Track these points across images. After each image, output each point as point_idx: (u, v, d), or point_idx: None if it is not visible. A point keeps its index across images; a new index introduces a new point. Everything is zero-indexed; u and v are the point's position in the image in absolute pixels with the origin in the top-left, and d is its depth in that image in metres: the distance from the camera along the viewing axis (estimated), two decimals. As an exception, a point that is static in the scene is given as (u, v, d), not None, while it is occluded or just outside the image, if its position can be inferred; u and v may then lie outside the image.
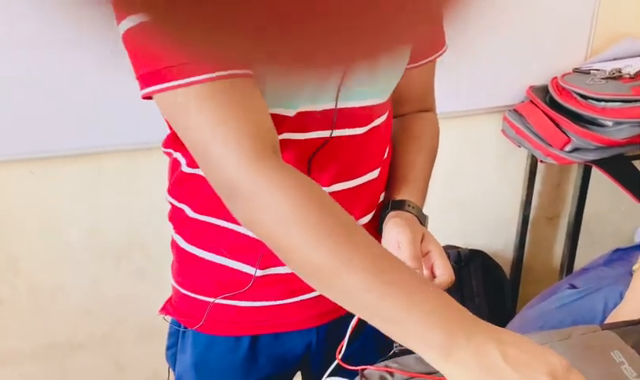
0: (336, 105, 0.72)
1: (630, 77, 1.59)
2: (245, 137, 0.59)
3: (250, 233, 0.73)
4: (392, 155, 0.85)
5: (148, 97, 0.63)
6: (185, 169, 0.77)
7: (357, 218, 0.78)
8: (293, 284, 0.78)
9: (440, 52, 0.84)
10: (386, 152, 0.84)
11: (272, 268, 0.78)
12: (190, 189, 0.78)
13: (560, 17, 1.68)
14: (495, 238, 1.98)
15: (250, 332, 0.82)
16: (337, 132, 0.73)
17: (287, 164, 0.63)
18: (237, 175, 0.60)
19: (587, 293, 1.32)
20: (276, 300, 0.81)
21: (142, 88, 0.62)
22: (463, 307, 0.55)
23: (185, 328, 0.84)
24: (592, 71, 1.65)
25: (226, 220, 0.76)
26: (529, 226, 1.97)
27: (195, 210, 0.78)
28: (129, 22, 0.59)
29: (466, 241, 1.88)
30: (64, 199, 1.45)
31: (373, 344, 0.81)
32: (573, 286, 1.39)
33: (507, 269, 1.98)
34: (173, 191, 0.81)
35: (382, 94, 0.77)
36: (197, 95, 0.59)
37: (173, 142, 0.78)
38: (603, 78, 1.59)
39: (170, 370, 0.90)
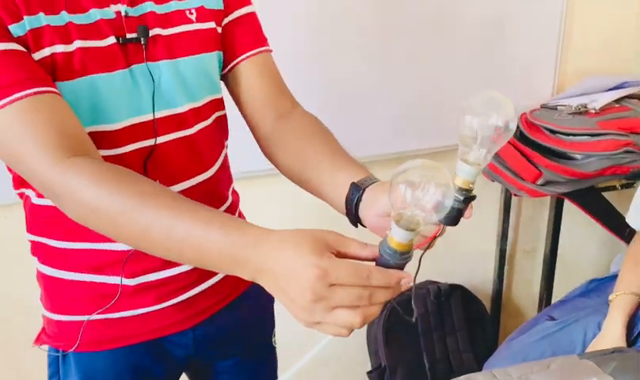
0: (154, 115, 0.78)
1: (596, 112, 1.65)
2: (51, 141, 0.65)
3: (113, 247, 0.79)
4: (306, 155, 0.83)
5: None
6: (35, 200, 0.81)
7: None
8: (164, 289, 0.84)
9: (262, 49, 0.89)
10: (222, 151, 0.90)
11: (142, 276, 0.82)
12: (44, 221, 0.82)
13: (527, 56, 1.75)
14: (474, 273, 2.00)
15: (129, 341, 0.86)
16: (162, 138, 0.79)
17: (99, 160, 0.68)
18: (49, 176, 0.65)
19: (566, 324, 1.33)
20: (148, 306, 0.84)
21: None
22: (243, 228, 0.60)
23: (64, 351, 0.85)
24: (558, 107, 1.71)
25: (86, 241, 0.80)
26: (507, 260, 1.99)
27: (55, 239, 0.82)
28: None
29: (446, 276, 1.89)
30: None
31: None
32: (552, 318, 1.40)
33: (487, 303, 1.99)
34: (29, 227, 0.85)
35: (199, 97, 0.83)
36: (6, 114, 0.65)
37: (21, 181, 0.81)
38: (569, 113, 1.65)
39: None
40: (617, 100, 1.69)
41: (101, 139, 0.74)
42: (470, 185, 0.63)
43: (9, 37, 0.68)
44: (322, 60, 1.54)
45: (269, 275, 0.57)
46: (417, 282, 0.59)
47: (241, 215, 0.99)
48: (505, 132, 0.62)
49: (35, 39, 0.69)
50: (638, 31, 1.87)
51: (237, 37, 0.87)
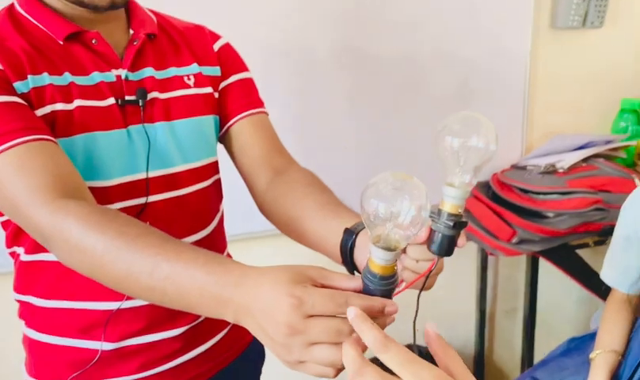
0: (147, 174, 0.79)
1: (564, 171, 1.69)
2: (44, 184, 0.66)
3: (97, 306, 0.79)
4: (301, 207, 0.82)
5: None
6: (24, 257, 0.81)
7: None
8: (149, 355, 0.82)
9: (258, 110, 0.91)
10: (218, 213, 0.91)
11: (125, 340, 0.81)
12: (32, 278, 0.82)
13: (495, 118, 1.80)
14: (455, 333, 1.97)
15: None
16: (154, 197, 0.80)
17: (92, 203, 0.69)
18: (39, 217, 0.65)
19: (549, 386, 1.31)
20: (133, 374, 0.82)
21: None
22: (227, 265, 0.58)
23: None
24: (528, 167, 1.75)
25: (69, 300, 0.80)
26: (487, 320, 1.98)
27: (40, 297, 0.81)
28: None
29: (427, 338, 1.86)
30: None
31: None
32: (535, 379, 1.38)
33: (469, 364, 1.95)
34: (17, 286, 0.85)
35: (194, 159, 0.85)
36: (3, 159, 0.67)
37: (13, 238, 0.82)
38: (539, 173, 1.69)
39: None
40: (584, 160, 1.75)
41: (93, 195, 0.74)
42: (460, 210, 0.59)
43: (13, 92, 0.70)
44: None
45: (250, 315, 0.54)
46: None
47: None
48: (488, 152, 0.59)
49: (38, 96, 0.72)
50: (600, 91, 1.96)
51: (232, 99, 0.90)
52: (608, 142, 1.82)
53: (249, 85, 0.93)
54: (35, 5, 0.77)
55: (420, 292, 0.59)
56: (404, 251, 0.64)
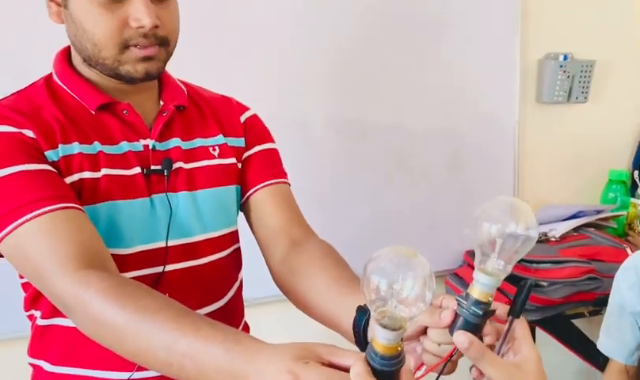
0: (167, 243, 0.80)
1: (556, 240, 1.71)
2: (68, 254, 0.67)
3: (108, 376, 0.78)
4: (315, 281, 0.82)
5: None
6: (40, 321, 0.81)
7: None
8: None
9: (279, 180, 0.92)
10: (236, 282, 0.91)
11: None
12: (46, 343, 0.81)
13: (486, 190, 1.83)
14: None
15: None
16: (171, 266, 0.80)
17: (113, 274, 0.69)
18: (62, 287, 0.66)
19: None
20: None
21: None
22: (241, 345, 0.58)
23: None
24: (521, 236, 1.76)
25: (80, 367, 0.79)
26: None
27: (52, 363, 0.81)
28: None
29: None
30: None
31: None
32: None
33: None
34: (31, 349, 0.84)
35: (213, 228, 0.85)
36: (29, 228, 0.68)
37: (31, 301, 0.82)
38: (532, 242, 1.70)
39: None
40: (575, 229, 1.77)
41: (118, 263, 0.75)
42: (490, 298, 0.57)
43: (43, 160, 0.73)
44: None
45: None
46: None
47: None
48: (527, 241, 0.57)
49: (67, 165, 0.75)
50: (588, 163, 2.01)
51: (254, 169, 0.91)
52: (598, 211, 1.85)
53: (272, 156, 0.94)
54: (70, 76, 0.80)
55: (438, 376, 0.57)
56: (424, 332, 0.64)
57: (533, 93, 1.90)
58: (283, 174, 0.94)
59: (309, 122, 1.58)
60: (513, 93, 1.83)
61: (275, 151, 0.95)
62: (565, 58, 1.87)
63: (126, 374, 0.78)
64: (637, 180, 1.98)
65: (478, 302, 0.57)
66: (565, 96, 1.90)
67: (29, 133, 0.73)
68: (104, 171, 0.76)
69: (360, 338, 0.68)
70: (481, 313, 0.56)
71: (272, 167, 0.93)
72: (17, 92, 0.80)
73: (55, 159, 0.74)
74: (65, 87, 0.80)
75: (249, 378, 0.56)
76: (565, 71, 1.86)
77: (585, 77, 1.90)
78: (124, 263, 0.77)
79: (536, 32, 1.85)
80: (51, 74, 0.82)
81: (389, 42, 1.64)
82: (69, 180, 0.74)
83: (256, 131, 0.94)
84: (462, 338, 0.57)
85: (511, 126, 1.84)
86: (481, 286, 0.57)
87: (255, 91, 1.49)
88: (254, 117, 0.95)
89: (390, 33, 1.64)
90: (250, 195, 0.91)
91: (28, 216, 0.68)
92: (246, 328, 0.96)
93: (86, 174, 0.75)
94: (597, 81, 1.93)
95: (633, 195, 1.95)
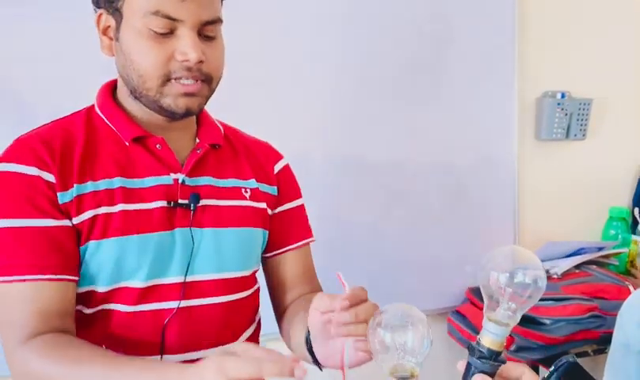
0: (185, 278, 0.79)
1: (558, 277, 1.70)
2: (19, 329, 0.71)
3: None
4: (293, 318, 0.89)
5: None
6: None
7: None
8: None
9: (308, 240, 0.96)
10: (252, 324, 0.91)
11: None
12: None
13: (486, 228, 1.83)
14: None
15: None
16: (187, 303, 0.79)
17: (52, 337, 0.71)
18: (10, 361, 0.71)
19: None
20: None
21: None
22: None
23: None
24: (522, 273, 1.75)
25: None
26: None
27: None
28: None
29: None
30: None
31: None
32: None
33: None
34: None
35: (233, 269, 0.85)
36: (10, 290, 0.71)
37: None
38: (533, 279, 1.69)
39: None
40: (576, 266, 1.76)
41: (122, 296, 0.76)
42: (501, 347, 0.58)
43: (50, 212, 0.73)
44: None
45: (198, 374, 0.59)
46: None
47: None
48: (536, 290, 0.57)
49: (79, 203, 0.74)
50: (588, 200, 2.01)
51: (286, 228, 0.94)
52: (600, 248, 1.84)
53: (300, 214, 0.97)
54: (111, 108, 0.81)
55: None
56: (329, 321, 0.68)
57: (532, 130, 1.92)
58: (310, 232, 0.97)
59: (309, 158, 1.59)
60: (512, 130, 1.84)
61: (302, 208, 0.98)
62: (563, 96, 1.89)
63: None
64: (637, 217, 1.98)
65: (489, 351, 0.58)
66: (563, 133, 1.92)
67: (50, 177, 0.74)
68: (121, 206, 0.76)
69: (308, 349, 0.74)
70: (497, 364, 0.58)
71: (302, 225, 0.97)
72: (58, 119, 0.82)
73: (67, 200, 0.74)
74: (104, 118, 0.81)
75: (186, 373, 0.60)
76: (562, 109, 1.89)
77: (583, 114, 1.92)
78: (138, 297, 0.77)
79: (534, 71, 1.88)
80: (93, 105, 0.83)
81: (390, 82, 1.67)
82: (82, 218, 0.74)
83: (289, 184, 0.96)
84: None
85: (510, 163, 1.85)
86: (492, 335, 0.58)
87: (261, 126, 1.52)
88: (287, 168, 0.97)
89: (391, 73, 1.67)
90: (278, 253, 0.94)
91: (8, 279, 0.71)
92: None
93: (102, 210, 0.75)
94: (595, 119, 1.96)
95: (634, 232, 1.95)
